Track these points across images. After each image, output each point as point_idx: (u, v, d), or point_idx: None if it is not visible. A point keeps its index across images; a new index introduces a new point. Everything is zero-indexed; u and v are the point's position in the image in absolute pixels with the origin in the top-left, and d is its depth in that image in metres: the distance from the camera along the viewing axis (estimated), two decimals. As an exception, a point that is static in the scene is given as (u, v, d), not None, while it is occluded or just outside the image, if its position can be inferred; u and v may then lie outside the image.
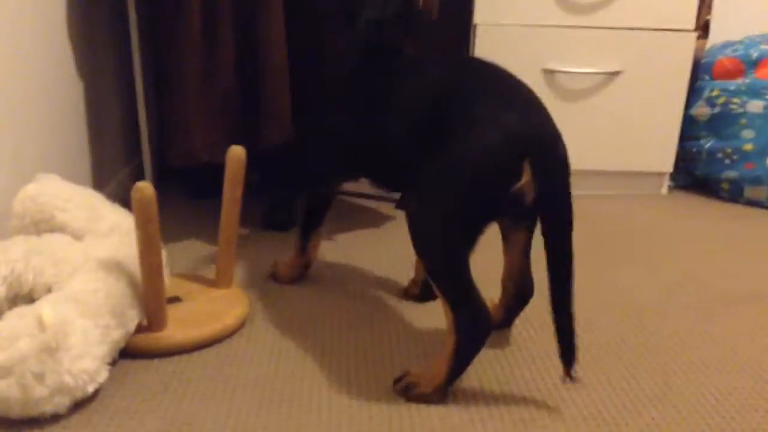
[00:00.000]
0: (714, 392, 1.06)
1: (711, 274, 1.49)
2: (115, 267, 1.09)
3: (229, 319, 1.20)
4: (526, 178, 0.92)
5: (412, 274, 1.39)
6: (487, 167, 0.93)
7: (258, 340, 1.19)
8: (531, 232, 1.11)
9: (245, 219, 1.69)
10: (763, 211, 1.92)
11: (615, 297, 1.38)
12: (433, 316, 1.27)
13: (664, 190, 2.04)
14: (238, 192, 1.25)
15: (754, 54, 1.94)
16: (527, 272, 1.15)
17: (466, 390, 1.05)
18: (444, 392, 1.02)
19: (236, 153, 1.23)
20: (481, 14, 1.85)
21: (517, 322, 1.23)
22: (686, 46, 1.87)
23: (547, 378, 1.09)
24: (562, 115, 1.92)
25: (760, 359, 1.16)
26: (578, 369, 1.06)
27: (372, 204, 1.91)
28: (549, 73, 1.89)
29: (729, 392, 1.06)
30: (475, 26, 1.86)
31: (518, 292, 1.16)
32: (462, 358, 1.00)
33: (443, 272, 1.00)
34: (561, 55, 1.88)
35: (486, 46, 1.86)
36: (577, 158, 1.94)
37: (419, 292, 1.33)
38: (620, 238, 1.70)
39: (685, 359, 1.15)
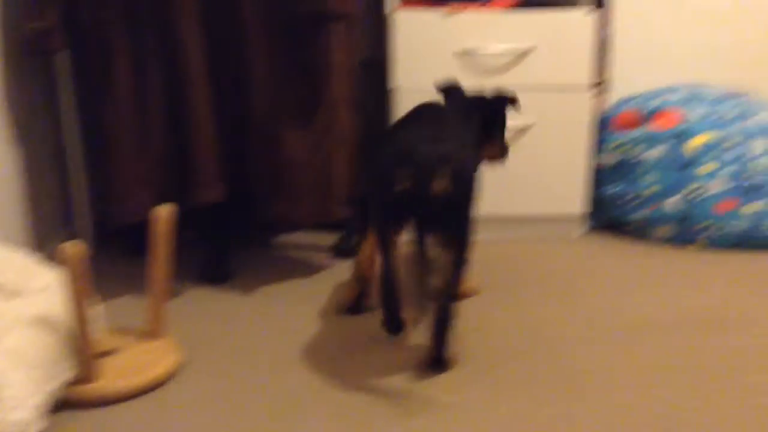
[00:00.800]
0: (617, 409, 1.18)
1: (621, 306, 1.63)
2: (48, 322, 1.17)
3: (161, 369, 1.28)
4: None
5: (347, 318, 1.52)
6: (378, 171, 1.32)
7: (191, 387, 1.27)
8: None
9: (183, 273, 1.77)
10: (668, 247, 2.08)
11: (534, 330, 1.50)
12: (368, 361, 1.37)
13: (579, 233, 2.19)
14: (167, 249, 1.35)
15: (650, 107, 2.13)
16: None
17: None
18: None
19: (161, 212, 1.33)
20: (399, 78, 2.01)
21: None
22: (585, 102, 2.04)
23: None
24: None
25: (667, 380, 1.29)
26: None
27: (304, 254, 2.01)
28: (465, 128, 2.04)
29: (632, 407, 1.18)
30: (394, 89, 2.01)
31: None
32: None
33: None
34: (475, 112, 2.03)
35: (405, 107, 2.01)
36: (498, 205, 2.09)
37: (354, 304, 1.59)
38: (537, 278, 1.83)
39: (595, 382, 1.28)
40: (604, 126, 2.21)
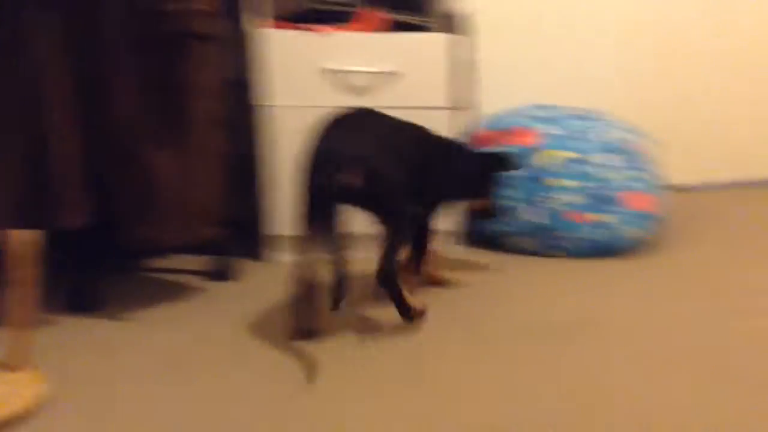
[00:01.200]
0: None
1: (479, 315, 1.73)
2: None
3: (20, 403, 1.23)
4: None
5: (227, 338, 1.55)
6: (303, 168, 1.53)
7: (54, 424, 1.22)
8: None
9: (50, 301, 1.71)
10: (528, 257, 2.22)
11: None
12: (240, 385, 1.38)
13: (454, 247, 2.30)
14: (29, 274, 1.31)
15: (504, 124, 2.29)
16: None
17: None
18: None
19: (19, 237, 1.30)
20: (264, 97, 2.04)
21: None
22: (444, 121, 2.16)
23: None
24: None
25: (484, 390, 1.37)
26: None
27: (180, 278, 1.99)
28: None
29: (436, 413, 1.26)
30: (259, 107, 2.04)
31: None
32: None
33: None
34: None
35: (270, 126, 2.05)
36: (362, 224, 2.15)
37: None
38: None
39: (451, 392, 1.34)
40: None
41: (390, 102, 2.11)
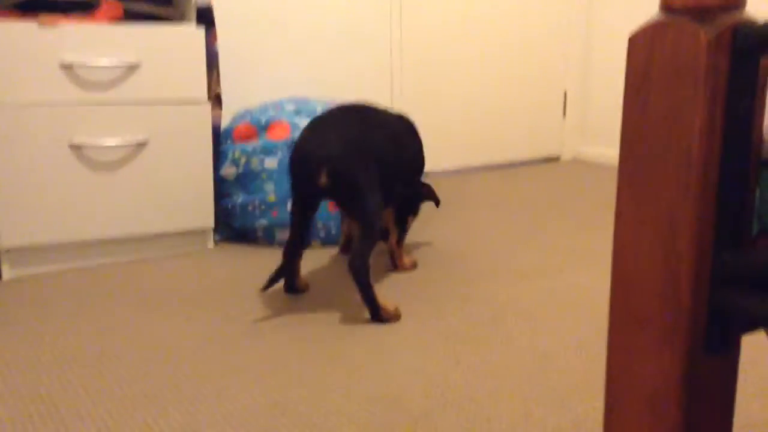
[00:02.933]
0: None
1: (245, 310, 1.70)
2: None
3: None
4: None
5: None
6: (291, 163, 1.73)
7: None
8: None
9: None
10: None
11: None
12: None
13: (211, 245, 2.24)
14: None
15: (263, 119, 2.27)
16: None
17: None
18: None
19: None
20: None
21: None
22: (203, 115, 2.10)
23: None
24: (95, 187, 2.00)
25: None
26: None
27: None
28: (77, 148, 1.95)
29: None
30: (-11, 106, 1.84)
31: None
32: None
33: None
34: (87, 130, 1.96)
35: (4, 126, 1.86)
36: (118, 226, 2.03)
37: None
38: (171, 295, 1.82)
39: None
40: (224, 139, 2.29)
41: (137, 95, 2.00)
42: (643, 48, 0.53)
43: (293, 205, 1.76)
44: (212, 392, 1.32)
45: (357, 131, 1.73)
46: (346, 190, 1.68)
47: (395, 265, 2.04)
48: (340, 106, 1.82)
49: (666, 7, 0.54)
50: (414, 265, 2.05)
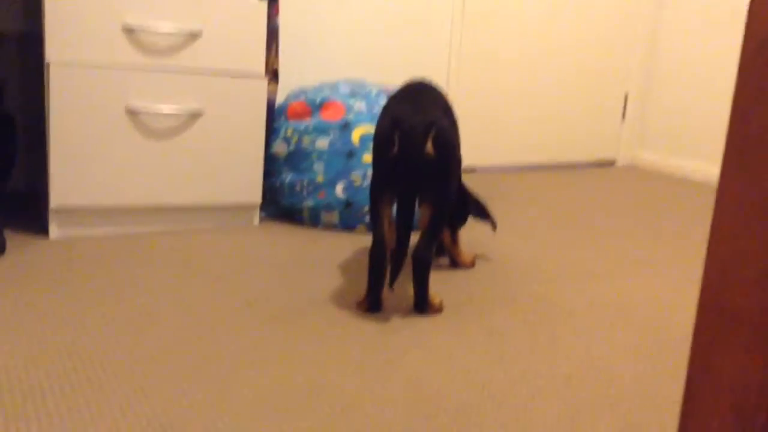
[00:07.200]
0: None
1: (286, 289, 1.68)
2: None
3: None
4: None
5: None
6: (377, 138, 1.55)
7: None
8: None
9: None
10: (337, 232, 2.20)
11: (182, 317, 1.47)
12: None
13: (256, 222, 2.22)
14: None
15: (318, 98, 2.24)
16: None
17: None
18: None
19: None
20: (54, 53, 1.84)
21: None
22: (259, 90, 2.08)
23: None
24: (146, 154, 1.99)
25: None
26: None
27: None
28: (132, 113, 1.95)
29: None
30: (48, 65, 1.84)
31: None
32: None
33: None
34: (144, 95, 1.95)
35: (62, 85, 1.86)
36: (165, 195, 2.03)
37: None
38: (215, 268, 1.81)
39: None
40: (277, 115, 2.27)
41: (195, 64, 1.99)
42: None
43: (379, 200, 1.55)
44: (249, 366, 1.29)
45: (445, 105, 1.66)
46: (443, 165, 1.53)
47: (455, 262, 1.94)
48: (416, 81, 1.71)
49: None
50: (473, 262, 1.96)
